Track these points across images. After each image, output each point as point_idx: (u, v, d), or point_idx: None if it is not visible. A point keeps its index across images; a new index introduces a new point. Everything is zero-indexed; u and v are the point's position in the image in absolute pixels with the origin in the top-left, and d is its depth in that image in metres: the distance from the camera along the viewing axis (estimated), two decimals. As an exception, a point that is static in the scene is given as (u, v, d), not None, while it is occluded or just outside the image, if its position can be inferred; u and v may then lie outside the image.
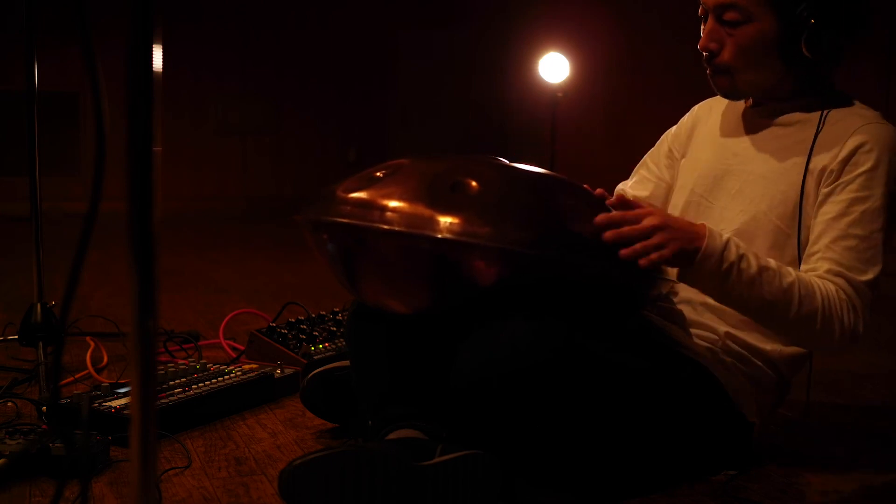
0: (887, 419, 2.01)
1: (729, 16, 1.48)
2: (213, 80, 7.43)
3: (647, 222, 1.37)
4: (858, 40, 1.49)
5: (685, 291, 1.58)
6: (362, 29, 7.69)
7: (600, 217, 1.36)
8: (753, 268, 1.39)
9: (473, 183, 1.32)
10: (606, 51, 5.80)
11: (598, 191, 1.48)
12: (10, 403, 1.83)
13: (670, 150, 1.77)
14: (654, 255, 1.34)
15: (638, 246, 1.34)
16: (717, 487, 1.48)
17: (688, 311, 1.58)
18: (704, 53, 1.54)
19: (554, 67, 5.20)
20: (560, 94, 5.18)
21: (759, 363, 1.55)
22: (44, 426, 1.58)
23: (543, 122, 5.37)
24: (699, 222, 1.43)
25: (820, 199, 1.49)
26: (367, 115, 7.92)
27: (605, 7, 5.95)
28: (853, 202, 1.46)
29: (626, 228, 1.35)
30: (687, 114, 1.79)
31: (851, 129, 1.48)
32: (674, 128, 1.80)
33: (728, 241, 1.40)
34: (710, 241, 1.38)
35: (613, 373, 1.41)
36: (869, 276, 1.45)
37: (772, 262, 1.42)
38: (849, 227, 1.45)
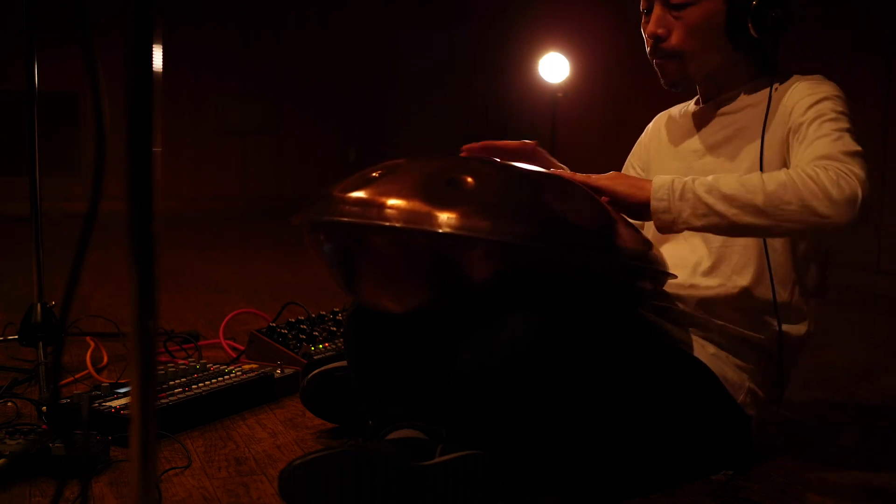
0: (887, 419, 2.01)
1: None
2: (213, 80, 7.44)
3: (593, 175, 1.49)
4: (794, 16, 1.52)
5: (678, 289, 1.58)
6: (362, 29, 7.70)
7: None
8: (709, 178, 1.39)
9: (470, 179, 1.32)
10: (606, 51, 5.80)
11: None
12: (10, 403, 1.84)
13: (634, 167, 1.82)
14: (581, 177, 1.45)
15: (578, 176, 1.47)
16: (717, 487, 1.48)
17: (683, 308, 1.58)
18: (650, 41, 1.57)
19: (554, 67, 5.20)
20: (560, 94, 5.19)
21: (755, 354, 1.56)
22: (44, 426, 1.58)
23: (543, 122, 5.37)
24: None
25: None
26: (367, 115, 7.92)
27: (605, 7, 5.95)
28: (810, 123, 1.46)
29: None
30: (645, 129, 1.84)
31: (793, 88, 1.52)
32: (634, 147, 1.85)
33: (677, 177, 1.42)
34: (657, 178, 1.42)
35: (613, 372, 1.41)
36: (846, 149, 1.40)
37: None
38: (813, 136, 1.44)
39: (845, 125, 1.44)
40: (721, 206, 1.37)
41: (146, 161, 0.73)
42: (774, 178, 1.36)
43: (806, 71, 1.57)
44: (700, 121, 1.66)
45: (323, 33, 7.68)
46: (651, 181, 1.42)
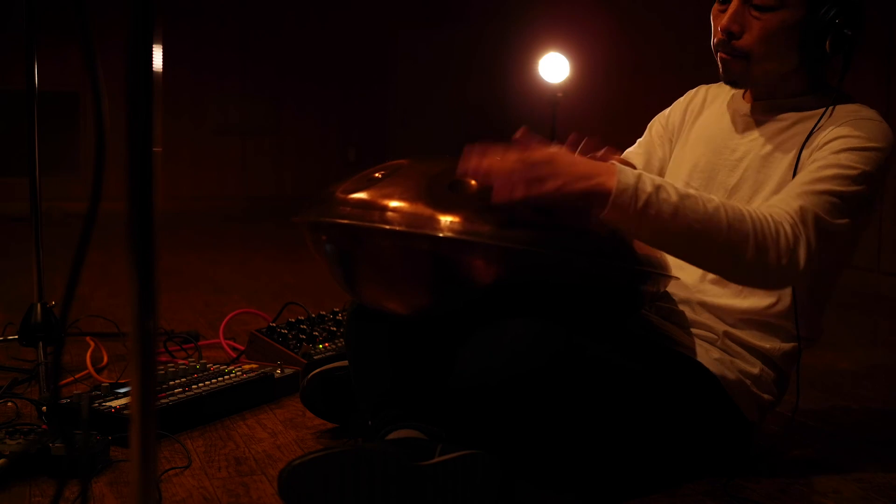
0: (887, 419, 2.01)
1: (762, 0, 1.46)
2: (213, 80, 7.44)
3: (531, 155, 1.26)
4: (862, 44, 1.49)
5: (684, 291, 1.58)
6: (362, 29, 7.70)
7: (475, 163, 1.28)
8: (674, 196, 1.29)
9: (472, 182, 1.32)
10: (606, 51, 5.80)
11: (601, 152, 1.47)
12: (10, 403, 1.83)
13: (663, 129, 1.76)
14: (520, 193, 1.24)
15: (510, 178, 1.25)
16: (717, 487, 1.48)
17: (687, 311, 1.58)
18: (722, 36, 1.50)
19: (554, 67, 5.20)
20: (560, 94, 5.19)
21: (759, 361, 1.55)
22: (44, 426, 1.58)
23: (543, 122, 5.37)
24: None
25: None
26: (367, 115, 7.92)
27: (605, 7, 5.95)
28: (826, 166, 1.41)
29: (493, 161, 1.26)
30: (681, 98, 1.78)
31: (841, 120, 1.47)
32: (667, 110, 1.79)
33: (641, 174, 1.30)
34: (622, 176, 1.27)
35: (613, 375, 1.41)
36: (823, 215, 1.36)
37: (692, 191, 1.33)
38: (813, 182, 1.40)
39: (852, 189, 1.39)
40: (680, 239, 1.31)
41: (146, 161, 0.73)
42: (740, 223, 1.31)
43: None
44: (748, 120, 1.61)
45: (323, 33, 7.69)
46: (611, 174, 1.27)
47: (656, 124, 1.79)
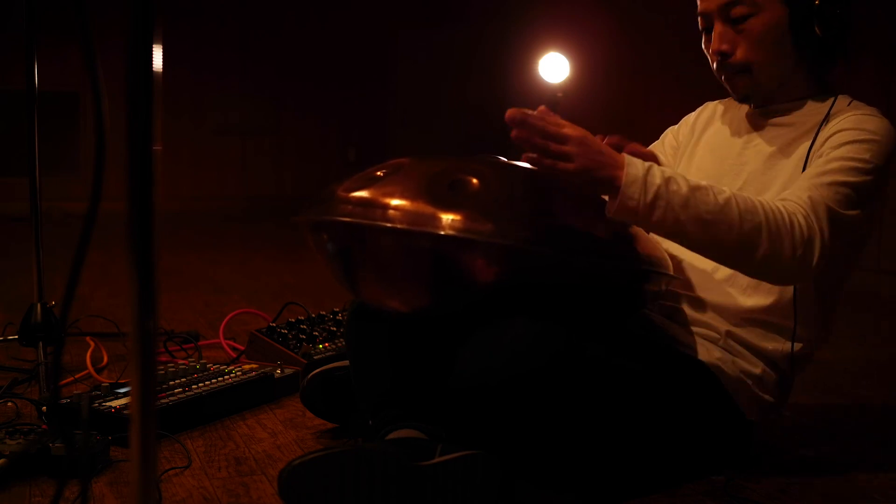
0: (886, 419, 2.01)
1: (736, 11, 1.48)
2: (213, 80, 7.44)
3: (565, 130, 1.31)
4: (856, 24, 1.50)
5: (686, 290, 1.58)
6: (362, 29, 7.70)
7: (516, 112, 1.32)
8: (684, 188, 1.30)
9: (474, 181, 1.32)
10: (606, 51, 5.80)
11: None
12: (10, 403, 1.83)
13: (675, 141, 1.77)
14: (548, 162, 1.30)
15: (540, 144, 1.30)
16: (717, 487, 1.48)
17: (689, 310, 1.57)
18: (717, 58, 1.52)
19: (554, 67, 5.21)
20: (560, 94, 5.19)
21: (760, 362, 1.55)
22: (44, 426, 1.58)
23: (543, 122, 5.37)
24: None
25: None
26: (367, 115, 7.92)
27: (605, 7, 5.95)
28: (832, 160, 1.43)
29: (537, 122, 1.31)
30: (696, 111, 1.79)
31: (843, 118, 1.48)
32: (677, 125, 1.80)
33: (651, 166, 1.32)
34: (630, 168, 1.30)
35: (613, 375, 1.41)
36: (834, 206, 1.37)
37: (703, 182, 1.34)
38: (821, 175, 1.41)
39: (860, 179, 1.40)
40: (691, 228, 1.31)
41: (146, 161, 0.73)
42: (752, 216, 1.32)
43: None
44: (750, 126, 1.62)
45: (323, 33, 7.69)
46: (621, 167, 1.30)
47: (669, 136, 1.80)
